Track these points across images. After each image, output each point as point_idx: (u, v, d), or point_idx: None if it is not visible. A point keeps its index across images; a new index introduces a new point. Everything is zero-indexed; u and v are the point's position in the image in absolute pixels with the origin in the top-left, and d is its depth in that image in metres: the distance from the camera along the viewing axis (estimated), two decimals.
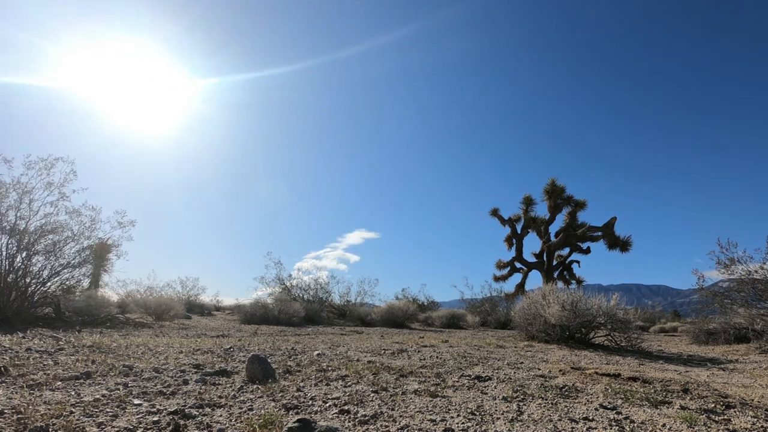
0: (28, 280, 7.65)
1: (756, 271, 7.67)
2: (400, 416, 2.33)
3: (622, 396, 2.98)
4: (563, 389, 3.20)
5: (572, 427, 2.25)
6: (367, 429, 2.12)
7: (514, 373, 3.95)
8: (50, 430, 1.87)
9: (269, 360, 3.36)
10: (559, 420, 2.37)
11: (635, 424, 2.33)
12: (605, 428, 2.26)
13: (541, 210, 18.43)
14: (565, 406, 2.68)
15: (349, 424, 2.19)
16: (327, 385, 3.09)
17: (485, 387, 3.23)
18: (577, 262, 18.05)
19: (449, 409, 2.50)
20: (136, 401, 2.37)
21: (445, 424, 2.21)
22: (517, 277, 18.78)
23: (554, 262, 17.95)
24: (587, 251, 17.68)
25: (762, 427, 2.37)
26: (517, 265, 18.55)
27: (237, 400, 2.55)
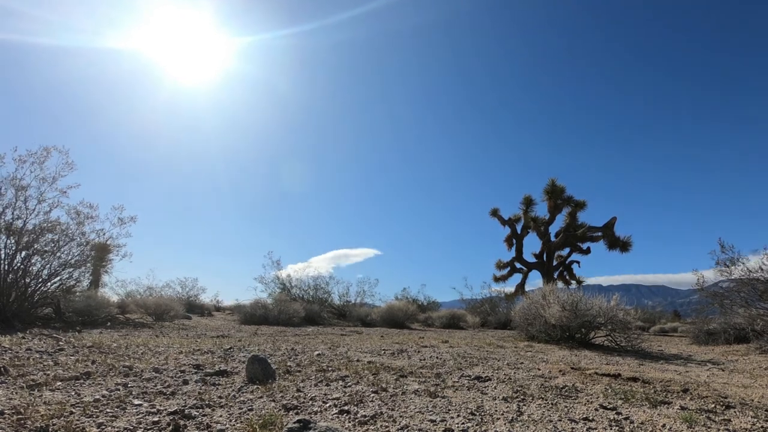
0: (27, 281, 7.63)
1: (755, 271, 7.67)
2: (400, 416, 2.33)
3: (622, 396, 2.98)
4: (563, 389, 3.20)
5: (572, 428, 2.25)
6: (367, 429, 2.12)
7: (514, 373, 3.95)
8: (50, 430, 1.87)
9: (269, 360, 3.35)
10: (559, 420, 2.37)
11: (635, 425, 2.33)
12: (605, 428, 2.26)
13: (541, 210, 18.47)
14: (565, 407, 2.68)
15: (349, 424, 2.19)
16: (327, 385, 3.09)
17: (485, 387, 3.23)
18: (577, 262, 18.10)
19: (449, 410, 2.50)
20: (136, 401, 2.37)
21: (445, 425, 2.21)
22: (517, 277, 18.82)
23: (554, 263, 17.98)
24: (587, 251, 17.72)
25: (762, 427, 2.37)
26: (517, 265, 18.59)
27: (237, 400, 2.55)
